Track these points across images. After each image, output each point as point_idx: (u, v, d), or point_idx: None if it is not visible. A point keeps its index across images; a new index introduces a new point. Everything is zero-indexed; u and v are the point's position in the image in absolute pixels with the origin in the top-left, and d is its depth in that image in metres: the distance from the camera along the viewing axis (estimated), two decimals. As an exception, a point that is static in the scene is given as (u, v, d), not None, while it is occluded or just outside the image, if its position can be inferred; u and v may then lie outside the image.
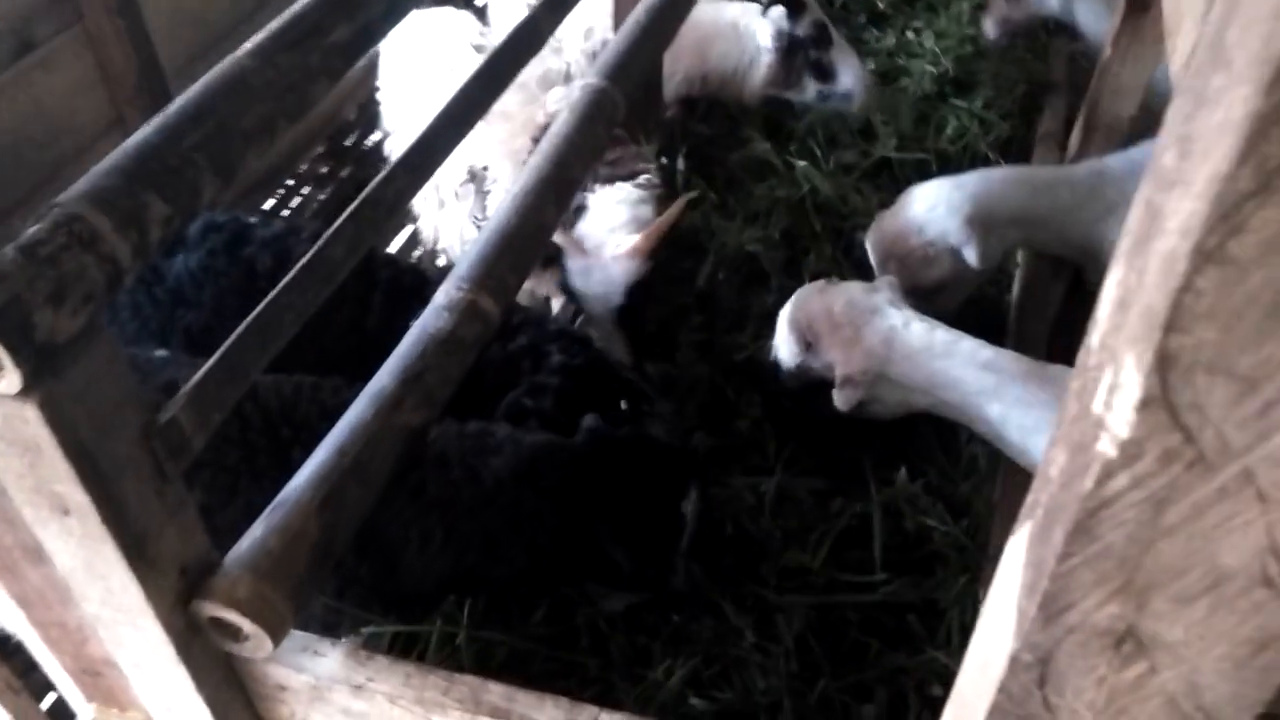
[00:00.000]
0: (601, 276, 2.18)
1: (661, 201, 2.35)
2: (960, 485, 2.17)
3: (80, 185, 1.03)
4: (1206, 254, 0.54)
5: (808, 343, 2.03)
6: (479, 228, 2.91)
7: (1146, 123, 2.65)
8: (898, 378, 1.98)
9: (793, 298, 2.13)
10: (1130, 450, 0.64)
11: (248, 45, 1.25)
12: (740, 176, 2.90)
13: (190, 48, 3.48)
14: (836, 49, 3.06)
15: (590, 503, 1.67)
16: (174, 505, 1.18)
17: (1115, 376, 0.66)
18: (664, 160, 2.87)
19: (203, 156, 1.11)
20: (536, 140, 2.65)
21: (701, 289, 2.54)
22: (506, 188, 2.76)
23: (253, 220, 2.24)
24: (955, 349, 1.94)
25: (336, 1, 1.35)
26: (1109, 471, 0.66)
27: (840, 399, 1.99)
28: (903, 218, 2.30)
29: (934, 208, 2.24)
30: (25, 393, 0.96)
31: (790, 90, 3.19)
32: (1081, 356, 0.77)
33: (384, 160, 3.36)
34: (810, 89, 3.16)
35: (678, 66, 2.92)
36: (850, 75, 3.10)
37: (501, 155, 2.69)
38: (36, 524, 1.12)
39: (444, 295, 1.62)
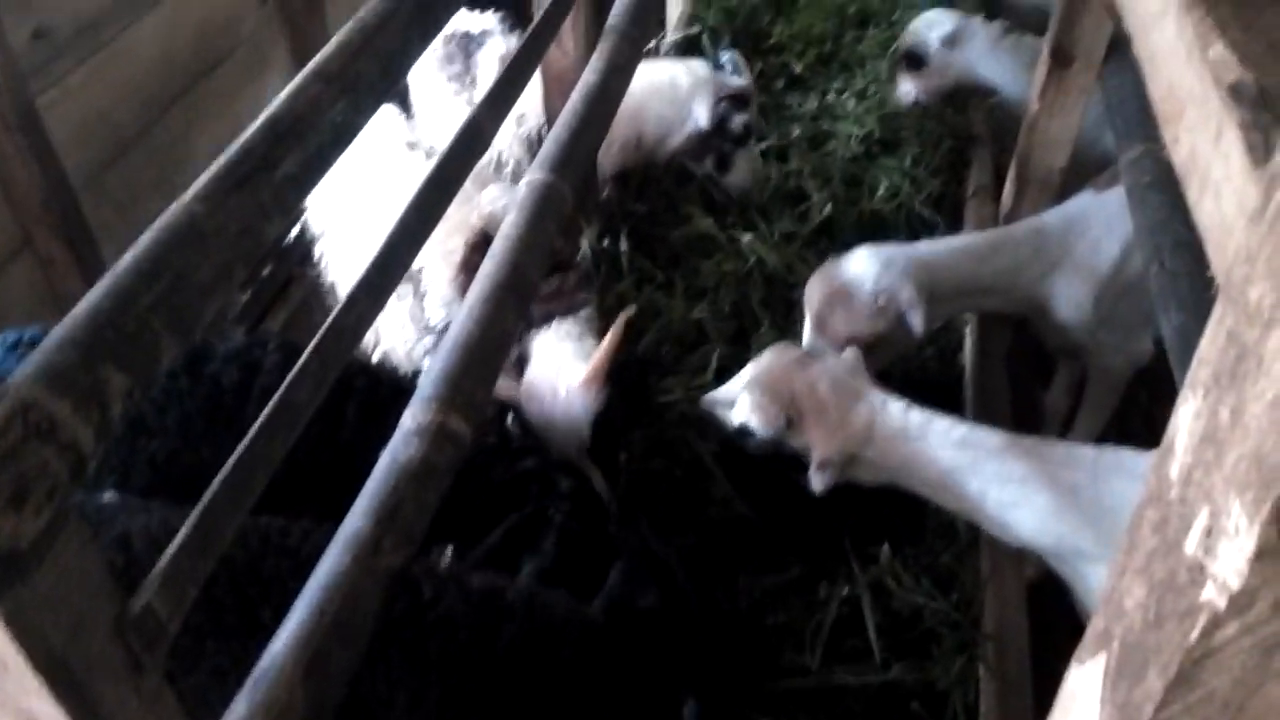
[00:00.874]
0: (564, 417, 2.12)
1: (605, 319, 2.31)
2: (941, 555, 2.14)
3: (31, 365, 0.93)
4: (1336, 409, 0.51)
5: (789, 419, 1.98)
6: (419, 330, 2.84)
7: (1078, 173, 2.72)
8: (874, 458, 1.96)
9: (763, 363, 2.08)
10: (1242, 601, 0.61)
11: (194, 189, 1.17)
12: (684, 253, 2.89)
13: (99, 155, 3.35)
14: (744, 151, 3.13)
15: (606, 681, 1.59)
16: (151, 697, 1.08)
17: (1216, 520, 0.62)
18: (605, 243, 2.83)
19: (159, 318, 1.03)
20: (471, 244, 2.60)
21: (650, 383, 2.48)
22: (444, 293, 2.70)
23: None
24: (930, 428, 1.93)
25: (282, 131, 1.28)
26: (1217, 622, 0.62)
27: (818, 481, 1.96)
28: (854, 271, 2.30)
29: (888, 267, 2.25)
30: (-13, 608, 0.86)
31: (690, 160, 3.24)
32: (1154, 482, 0.73)
33: (308, 258, 3.26)
34: (705, 167, 3.22)
35: (614, 135, 2.90)
36: (740, 175, 3.20)
37: (437, 256, 2.63)
38: (2, 740, 1.01)
39: (411, 419, 1.54)
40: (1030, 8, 3.58)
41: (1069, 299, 2.48)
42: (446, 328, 2.69)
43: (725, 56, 3.21)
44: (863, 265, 2.29)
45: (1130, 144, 1.99)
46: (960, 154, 3.32)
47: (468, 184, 2.54)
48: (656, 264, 2.85)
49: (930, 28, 3.36)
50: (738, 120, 3.05)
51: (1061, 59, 2.38)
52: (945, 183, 3.17)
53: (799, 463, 1.98)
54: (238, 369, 1.98)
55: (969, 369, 2.61)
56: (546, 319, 2.30)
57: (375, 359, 2.82)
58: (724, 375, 2.30)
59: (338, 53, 1.42)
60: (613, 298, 2.63)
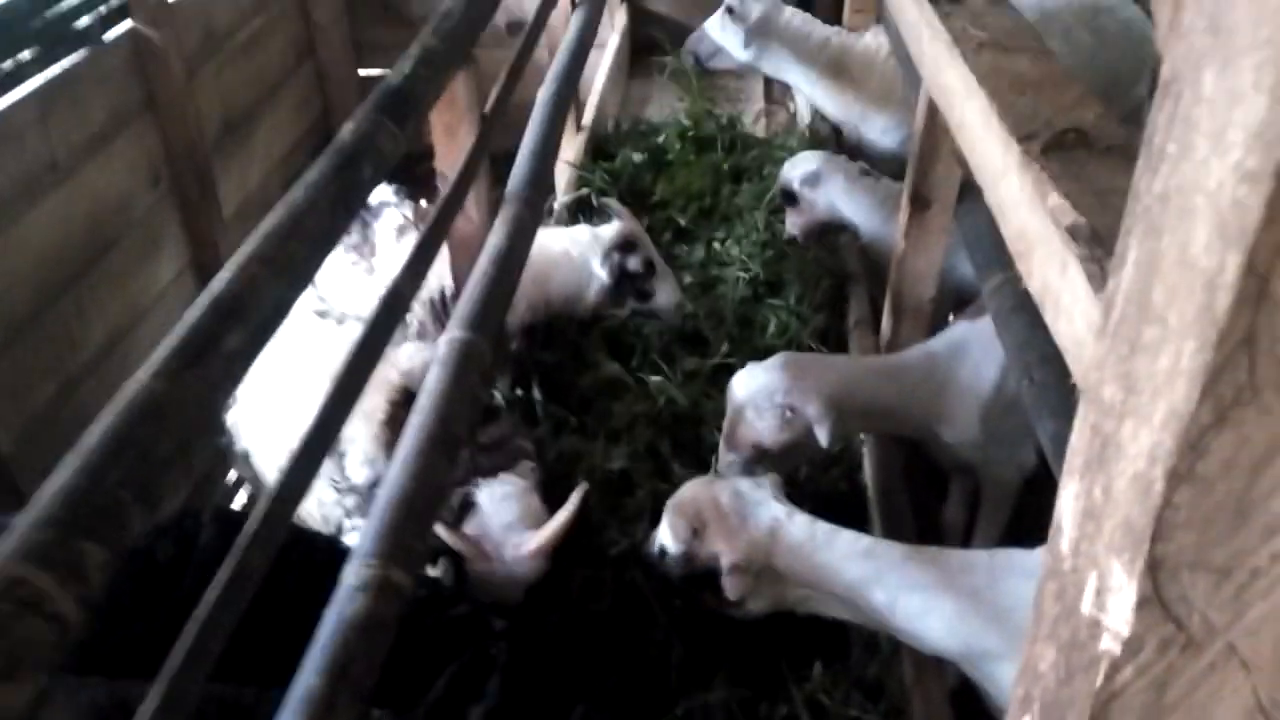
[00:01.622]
0: (504, 578, 2.19)
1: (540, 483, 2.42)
2: (869, 668, 2.24)
3: (13, 543, 0.98)
4: (1180, 476, 0.64)
5: (694, 530, 2.08)
6: (338, 490, 2.86)
7: (943, 302, 2.97)
8: (784, 570, 2.05)
9: (680, 490, 2.20)
10: (1133, 645, 0.72)
11: (149, 366, 1.24)
12: (594, 397, 3.02)
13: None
14: (659, 275, 3.31)
15: None
16: None
17: (1103, 580, 0.74)
18: (519, 392, 2.94)
19: (128, 492, 1.08)
20: (393, 401, 2.67)
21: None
22: (367, 450, 2.74)
23: None
24: (836, 539, 2.05)
25: (224, 311, 1.36)
26: (1116, 667, 0.74)
27: (730, 586, 2.04)
28: (765, 381, 2.43)
29: (799, 379, 2.40)
30: (-26, 788, 0.88)
31: (615, 309, 3.41)
32: (1051, 560, 0.86)
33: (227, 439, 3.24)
34: (629, 306, 3.40)
35: (521, 296, 3.05)
36: (665, 296, 3.38)
37: (357, 415, 2.68)
38: None
39: (354, 575, 1.58)
40: (886, 154, 3.93)
41: (958, 420, 2.67)
42: (373, 485, 2.73)
43: (601, 201, 3.44)
44: (775, 376, 2.43)
45: (991, 274, 2.21)
46: (839, 290, 3.59)
47: (381, 346, 2.63)
48: (569, 409, 2.97)
49: (795, 167, 3.63)
50: (633, 262, 3.25)
51: (920, 203, 2.66)
52: (828, 318, 3.41)
53: (717, 584, 2.07)
54: (173, 542, 1.98)
55: (871, 487, 2.77)
56: (491, 471, 2.37)
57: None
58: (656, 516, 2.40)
59: (272, 235, 1.52)
60: (530, 443, 2.72)
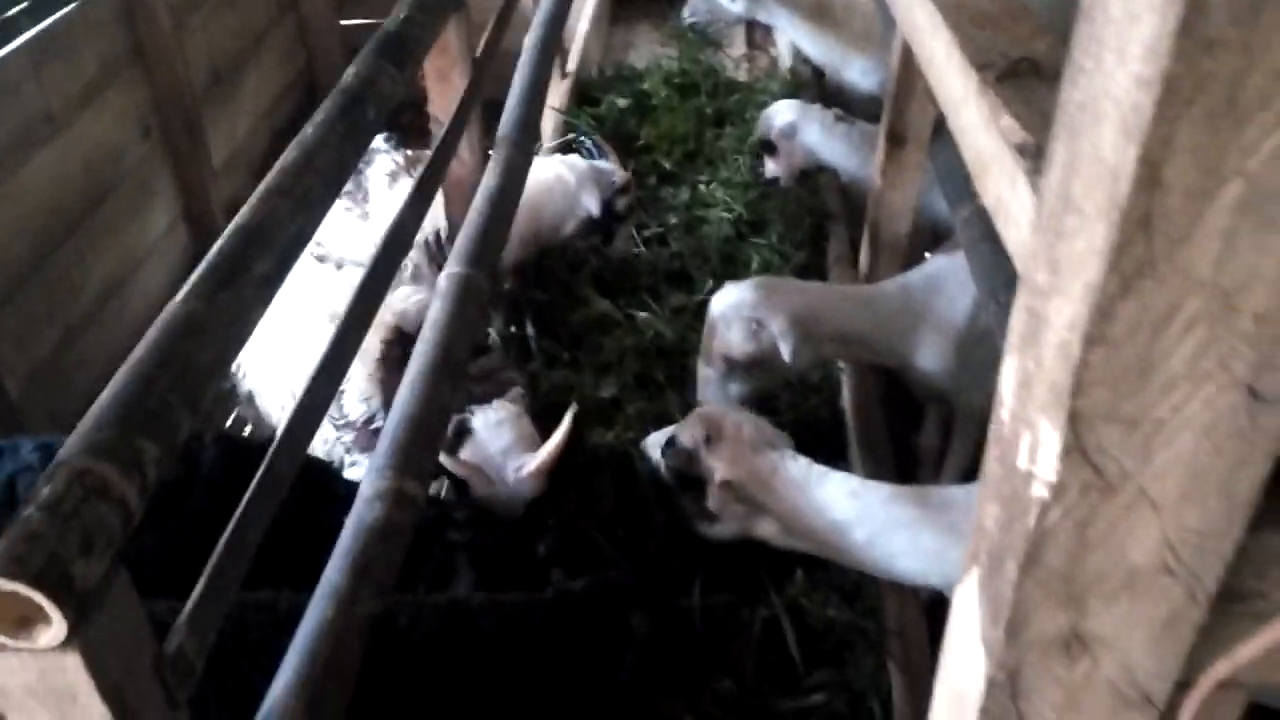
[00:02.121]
0: (506, 499, 2.32)
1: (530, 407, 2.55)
2: (849, 573, 2.39)
3: (77, 440, 1.10)
4: (1093, 340, 0.77)
5: (708, 437, 2.20)
6: (335, 426, 2.98)
7: (920, 237, 3.09)
8: (772, 504, 2.17)
9: (712, 405, 2.28)
10: (1058, 490, 0.86)
11: (186, 288, 1.35)
12: (585, 333, 3.14)
13: (-5, 292, 3.40)
14: (621, 226, 3.47)
15: (573, 645, 1.77)
16: (181, 733, 1.21)
17: (1035, 437, 0.88)
18: (513, 329, 3.06)
19: (176, 396, 1.20)
20: (387, 341, 2.79)
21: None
22: (362, 388, 2.86)
23: None
24: (827, 479, 2.16)
25: (252, 238, 1.47)
26: (1045, 509, 0.87)
27: (715, 500, 2.17)
28: (739, 296, 2.57)
29: (769, 296, 2.53)
30: (66, 643, 1.00)
31: (580, 240, 3.55)
32: (994, 430, 0.99)
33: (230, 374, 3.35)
34: (592, 241, 3.55)
35: (513, 232, 3.15)
36: (620, 244, 3.56)
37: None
38: (52, 782, 1.13)
39: (370, 486, 1.71)
40: (864, 97, 4.04)
41: (932, 350, 2.80)
42: (368, 420, 2.85)
43: (588, 142, 3.55)
44: (745, 296, 2.57)
45: (961, 206, 2.33)
46: (819, 229, 3.71)
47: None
48: (561, 345, 3.10)
49: (774, 117, 3.75)
50: (621, 203, 3.38)
51: (896, 140, 2.77)
52: (809, 255, 3.53)
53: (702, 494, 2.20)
54: (180, 463, 2.10)
55: (850, 415, 2.91)
56: (483, 399, 2.50)
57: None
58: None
59: (288, 170, 1.62)
60: (524, 378, 2.85)
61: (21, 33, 3.52)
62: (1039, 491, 0.87)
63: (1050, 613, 0.94)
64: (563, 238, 3.44)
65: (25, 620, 0.99)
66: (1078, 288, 0.77)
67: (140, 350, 1.23)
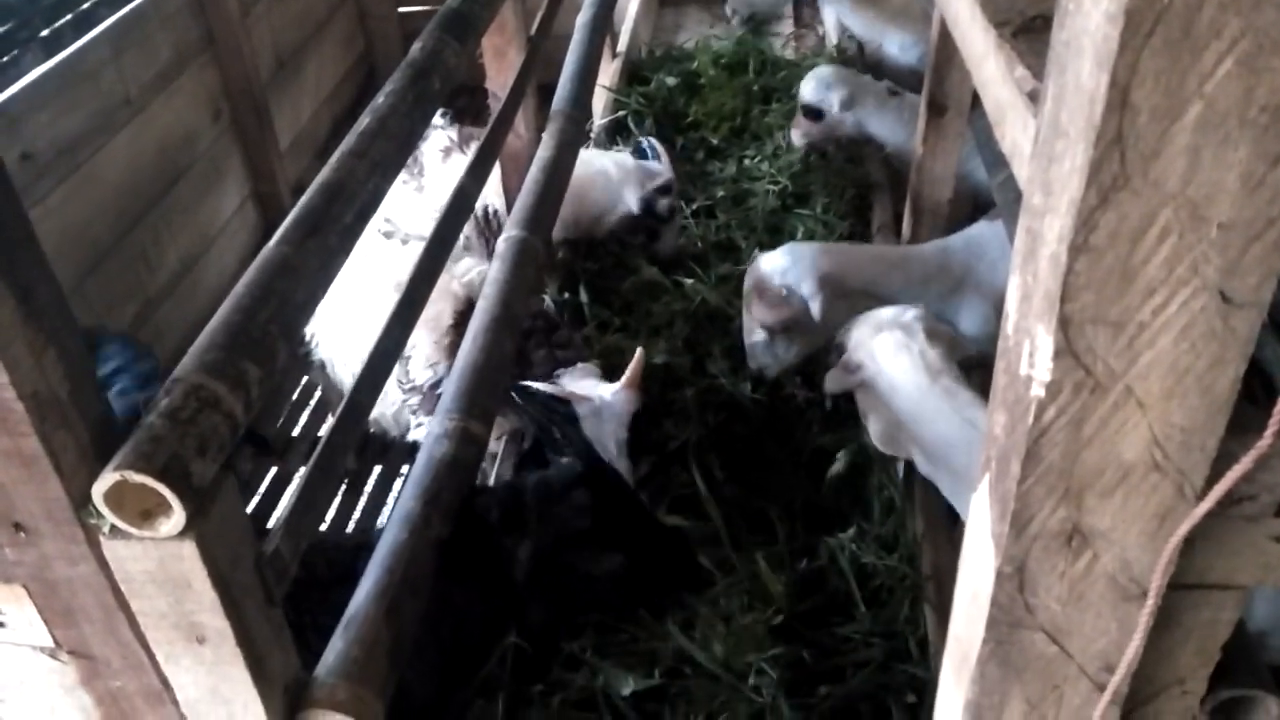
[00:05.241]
0: (610, 414, 2.46)
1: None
2: (888, 523, 2.50)
3: (191, 360, 1.25)
4: (1077, 249, 0.88)
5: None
6: (403, 390, 3.14)
7: (960, 204, 3.17)
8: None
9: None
10: (1053, 389, 0.96)
11: (278, 235, 1.50)
12: (635, 299, 3.27)
13: (79, 266, 3.61)
14: (669, 225, 3.58)
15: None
16: (278, 627, 1.37)
17: (1033, 343, 0.99)
18: (566, 295, 3.21)
19: (275, 327, 1.35)
20: (457, 311, 2.93)
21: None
22: (429, 354, 3.02)
23: None
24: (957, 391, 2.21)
25: (334, 193, 1.62)
26: (1042, 408, 0.98)
27: (832, 379, 2.31)
28: (769, 264, 2.68)
29: (797, 261, 2.64)
30: (183, 533, 1.15)
31: (624, 234, 3.67)
32: (1001, 344, 1.10)
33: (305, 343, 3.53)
34: (637, 239, 3.68)
35: (560, 212, 3.29)
36: (667, 244, 3.64)
37: (420, 324, 2.94)
38: (169, 660, 1.29)
39: (439, 425, 1.86)
40: (904, 70, 4.11)
41: (974, 313, 2.87)
42: (434, 385, 3.01)
43: (645, 143, 3.66)
44: (776, 260, 2.68)
45: (998, 169, 2.42)
46: (863, 199, 3.79)
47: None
48: (612, 311, 3.23)
49: (829, 87, 3.78)
50: (663, 204, 3.51)
51: (937, 109, 2.85)
52: (853, 225, 3.62)
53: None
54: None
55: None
56: (566, 363, 2.64)
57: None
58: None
59: (364, 135, 1.77)
60: (579, 341, 2.98)
61: (101, 21, 3.72)
62: (1036, 391, 0.98)
63: (1051, 508, 1.04)
64: (605, 230, 3.56)
65: (147, 514, 1.15)
66: (1064, 203, 0.88)
67: (241, 286, 1.38)
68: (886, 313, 2.33)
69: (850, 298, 2.63)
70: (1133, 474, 1.01)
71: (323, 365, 3.29)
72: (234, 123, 4.58)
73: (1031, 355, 0.99)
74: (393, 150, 1.80)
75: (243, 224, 4.65)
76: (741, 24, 4.89)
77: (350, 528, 3.22)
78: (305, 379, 3.83)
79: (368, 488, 3.42)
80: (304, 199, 1.59)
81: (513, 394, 2.36)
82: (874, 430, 2.28)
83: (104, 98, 3.71)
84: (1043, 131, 0.94)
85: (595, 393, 2.44)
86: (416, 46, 2.11)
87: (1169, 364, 0.93)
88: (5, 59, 3.23)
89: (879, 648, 2.20)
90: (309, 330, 3.32)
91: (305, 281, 1.43)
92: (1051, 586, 1.12)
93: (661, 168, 3.55)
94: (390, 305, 1.88)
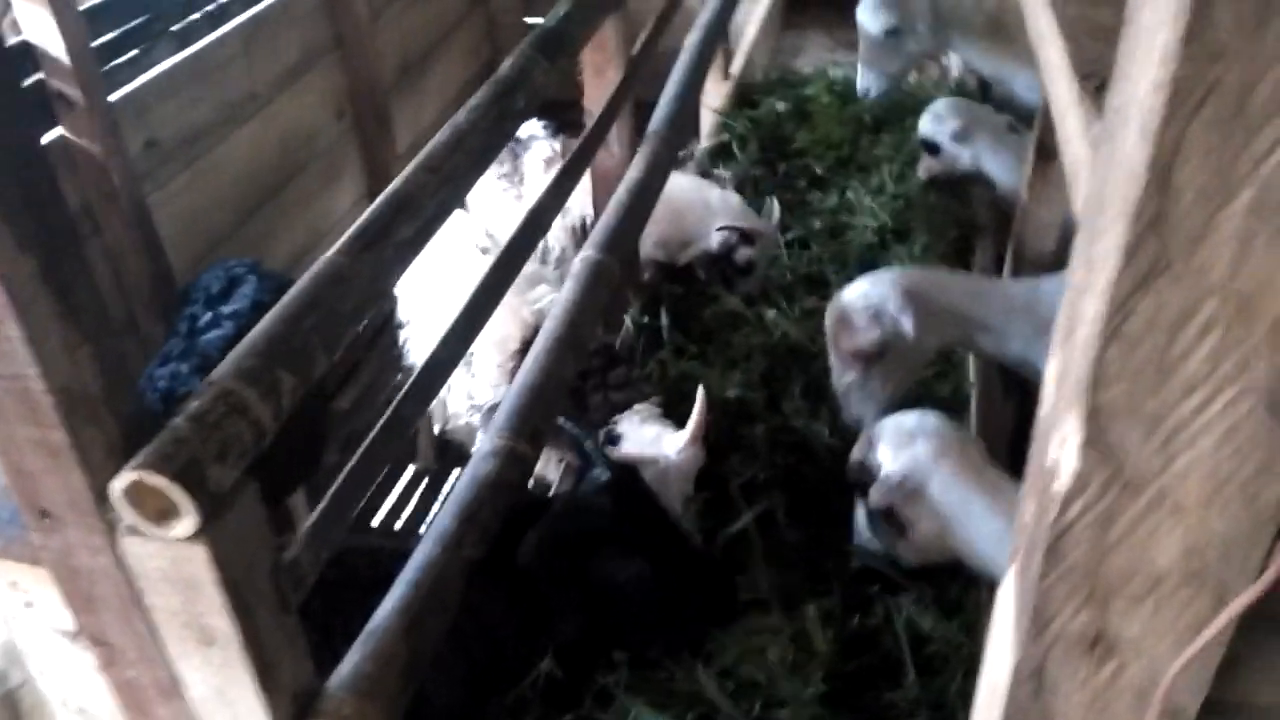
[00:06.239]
0: (676, 474, 2.44)
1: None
2: (950, 588, 2.39)
3: (228, 364, 1.27)
4: (1111, 334, 0.81)
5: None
6: (469, 408, 3.18)
7: (1065, 255, 3.01)
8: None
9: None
10: (1080, 482, 0.89)
11: (336, 245, 1.52)
12: (715, 328, 3.23)
13: (196, 251, 3.77)
14: (746, 279, 3.49)
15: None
16: (291, 635, 1.37)
17: (1062, 432, 0.91)
18: (646, 319, 3.19)
19: (316, 337, 1.36)
20: (526, 338, 2.94)
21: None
22: (493, 376, 3.04)
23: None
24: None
25: (398, 207, 1.63)
26: (1067, 502, 0.90)
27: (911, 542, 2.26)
28: (851, 292, 2.59)
29: (877, 283, 2.54)
30: (196, 536, 1.17)
31: (702, 270, 3.63)
32: (1037, 425, 1.03)
33: (373, 344, 3.60)
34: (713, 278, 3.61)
35: (653, 231, 3.27)
36: (740, 292, 3.54)
37: (488, 341, 2.97)
38: (180, 657, 1.31)
39: (488, 443, 1.85)
40: (1030, 110, 3.94)
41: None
42: (495, 406, 3.05)
43: (767, 201, 3.62)
44: (858, 286, 2.59)
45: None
46: (966, 240, 3.65)
47: (520, 280, 2.91)
48: (690, 338, 3.19)
49: (941, 120, 3.68)
50: (743, 253, 3.43)
51: (1045, 154, 2.72)
52: (951, 266, 3.49)
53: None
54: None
55: (974, 399, 2.88)
56: (625, 405, 2.63)
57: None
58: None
59: (439, 149, 1.78)
60: (654, 365, 2.96)
61: (234, 18, 3.88)
62: (1062, 483, 0.91)
63: (1074, 610, 0.96)
64: (686, 259, 3.53)
65: (164, 513, 1.16)
66: (1101, 282, 0.81)
67: (292, 293, 1.40)
68: (908, 420, 2.31)
69: (937, 318, 2.52)
70: (1166, 582, 0.93)
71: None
72: (356, 123, 4.71)
73: (1060, 445, 0.92)
74: (466, 166, 1.80)
75: (355, 222, 4.77)
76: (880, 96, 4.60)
77: (424, 528, 3.28)
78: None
79: (445, 489, 3.47)
80: (371, 209, 1.60)
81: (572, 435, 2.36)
82: (921, 538, 2.23)
83: (231, 91, 3.87)
84: (1089, 204, 0.87)
85: (660, 451, 2.42)
86: (507, 63, 2.12)
87: (1209, 469, 0.85)
88: (138, 49, 3.39)
89: (924, 719, 2.10)
90: (401, 337, 3.39)
91: (355, 293, 1.45)
92: (1072, 694, 1.04)
93: (761, 223, 3.50)
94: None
